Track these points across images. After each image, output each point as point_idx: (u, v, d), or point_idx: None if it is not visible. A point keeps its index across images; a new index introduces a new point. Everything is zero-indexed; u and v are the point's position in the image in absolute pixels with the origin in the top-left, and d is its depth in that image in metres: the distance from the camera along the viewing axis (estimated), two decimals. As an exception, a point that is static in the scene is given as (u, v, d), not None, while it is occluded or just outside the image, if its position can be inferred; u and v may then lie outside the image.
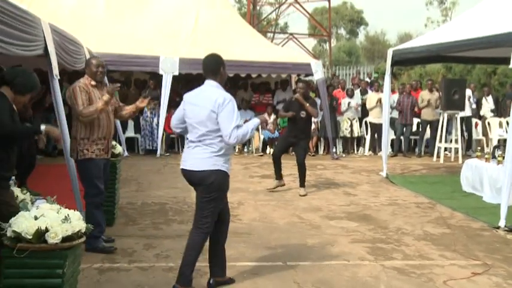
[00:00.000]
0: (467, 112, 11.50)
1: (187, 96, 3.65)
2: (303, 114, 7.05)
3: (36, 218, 2.69)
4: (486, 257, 4.56)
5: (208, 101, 3.45)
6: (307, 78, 14.26)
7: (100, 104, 4.30)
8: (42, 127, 3.29)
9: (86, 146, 4.35)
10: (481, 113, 11.96)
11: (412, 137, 12.04)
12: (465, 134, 11.89)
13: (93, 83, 4.41)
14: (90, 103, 4.29)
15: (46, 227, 2.65)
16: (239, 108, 11.85)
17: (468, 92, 11.66)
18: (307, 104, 7.03)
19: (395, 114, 11.58)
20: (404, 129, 11.38)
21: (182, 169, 3.61)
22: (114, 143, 4.91)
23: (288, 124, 7.52)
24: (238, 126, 3.43)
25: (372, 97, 11.70)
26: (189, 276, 3.54)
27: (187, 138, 3.67)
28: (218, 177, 3.51)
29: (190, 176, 3.56)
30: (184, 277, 3.53)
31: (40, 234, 2.63)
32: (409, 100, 11.33)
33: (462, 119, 11.55)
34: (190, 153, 3.56)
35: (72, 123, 4.43)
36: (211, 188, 3.50)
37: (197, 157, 3.50)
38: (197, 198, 3.61)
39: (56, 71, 4.74)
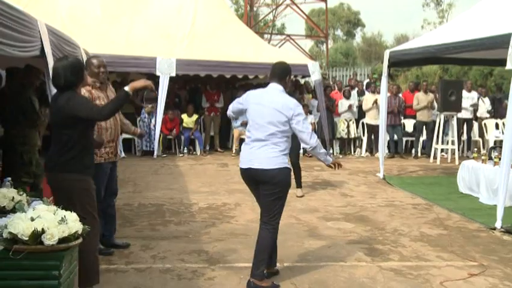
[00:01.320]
0: (469, 114, 11.52)
1: (251, 96, 3.89)
2: None
3: (32, 219, 2.68)
4: (483, 258, 4.57)
5: (277, 103, 3.70)
6: (304, 80, 14.32)
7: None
8: (126, 88, 3.31)
9: (95, 151, 4.27)
10: (478, 114, 11.99)
11: (409, 139, 12.07)
12: (465, 135, 11.89)
13: (97, 84, 4.28)
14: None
15: (42, 229, 2.64)
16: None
17: (474, 94, 11.67)
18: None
19: None
20: (395, 130, 11.34)
21: (247, 168, 3.74)
22: None
23: None
24: None
25: (368, 98, 11.72)
26: (262, 272, 3.77)
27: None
28: (285, 174, 3.72)
29: (257, 175, 3.70)
30: (260, 272, 3.75)
31: (36, 236, 2.62)
32: (396, 101, 11.35)
33: (464, 120, 11.57)
34: (255, 153, 3.71)
35: None
36: (279, 185, 3.68)
37: (265, 156, 3.67)
38: (262, 197, 3.77)
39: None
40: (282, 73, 3.89)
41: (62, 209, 2.87)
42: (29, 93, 5.46)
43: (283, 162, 3.70)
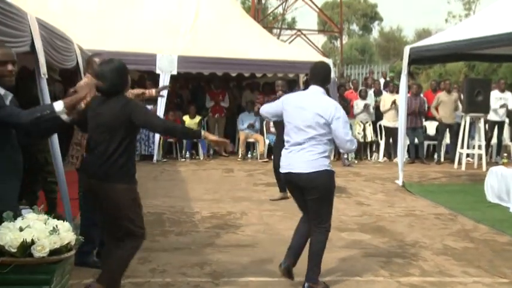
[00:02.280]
0: (501, 116, 11.43)
1: (290, 99, 4.10)
2: None
3: (21, 230, 2.68)
4: (513, 273, 4.52)
5: (318, 106, 3.89)
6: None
7: (137, 91, 4.21)
8: (202, 132, 3.55)
9: None
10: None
11: (431, 142, 12.01)
12: (495, 139, 11.80)
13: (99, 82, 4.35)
14: None
15: (32, 239, 2.64)
16: (244, 110, 11.97)
17: (508, 95, 11.57)
18: None
19: None
20: (415, 133, 11.30)
21: (287, 173, 3.98)
22: None
23: (277, 128, 7.52)
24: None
25: (386, 99, 11.68)
26: (317, 275, 4.01)
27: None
28: (326, 177, 3.90)
29: (297, 179, 3.91)
30: (316, 276, 4.00)
31: (25, 247, 2.62)
32: (417, 101, 11.29)
33: (495, 123, 11.48)
34: (294, 157, 3.93)
35: (74, 129, 4.33)
36: (320, 188, 3.89)
37: (304, 159, 3.88)
38: (307, 202, 3.98)
39: (43, 69, 4.75)
40: (325, 74, 4.12)
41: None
42: (36, 91, 5.52)
43: (323, 164, 3.88)
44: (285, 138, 4.06)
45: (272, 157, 11.48)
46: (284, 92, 7.36)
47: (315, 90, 4.02)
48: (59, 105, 2.99)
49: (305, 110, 3.91)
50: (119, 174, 3.36)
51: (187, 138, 3.71)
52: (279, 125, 7.40)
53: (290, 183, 4.07)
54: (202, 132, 3.55)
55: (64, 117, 3.09)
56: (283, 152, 4.06)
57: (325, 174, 3.88)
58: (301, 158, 3.88)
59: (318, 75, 4.08)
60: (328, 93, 4.26)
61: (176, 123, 3.62)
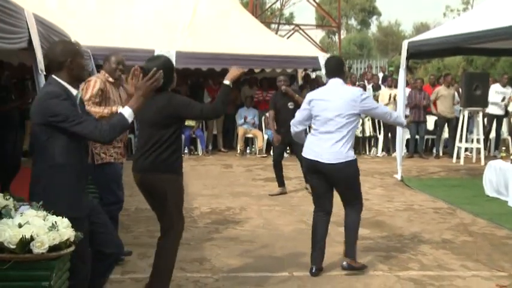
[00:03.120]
0: (500, 110, 11.42)
1: (315, 95, 4.33)
2: (291, 105, 7.22)
3: (20, 226, 2.68)
4: None
5: (345, 96, 4.17)
6: (314, 73, 14.30)
7: (106, 111, 4.14)
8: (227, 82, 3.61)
9: (103, 150, 4.29)
10: (509, 109, 11.88)
11: (429, 137, 12.02)
12: (493, 133, 11.80)
13: (110, 79, 4.38)
14: (106, 101, 4.25)
15: (31, 236, 2.63)
16: (242, 105, 11.96)
17: (509, 90, 11.55)
18: (297, 95, 7.25)
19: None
20: (418, 127, 11.34)
21: (313, 160, 4.18)
22: None
23: (277, 124, 7.52)
24: None
25: (384, 93, 11.68)
26: (355, 252, 4.31)
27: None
28: (352, 166, 4.19)
29: (324, 168, 4.15)
30: (354, 253, 4.30)
31: (24, 244, 2.62)
32: (421, 96, 11.29)
33: (494, 117, 11.47)
34: (323, 146, 4.16)
35: None
36: (348, 176, 4.20)
37: (334, 150, 4.12)
38: (337, 189, 4.29)
39: (41, 65, 4.73)
40: (339, 67, 4.37)
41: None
42: None
43: (351, 155, 4.16)
44: (314, 127, 4.29)
45: (271, 152, 11.55)
46: (287, 86, 7.47)
47: (335, 82, 4.29)
48: (128, 113, 2.90)
49: (332, 101, 4.16)
50: (165, 166, 3.50)
51: (227, 101, 3.72)
52: (278, 120, 7.42)
53: (312, 170, 4.27)
54: (227, 83, 3.59)
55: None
56: (311, 138, 4.28)
57: (350, 164, 4.15)
58: (331, 149, 4.11)
59: (332, 68, 4.35)
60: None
61: (211, 104, 3.73)
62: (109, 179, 4.34)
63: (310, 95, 4.39)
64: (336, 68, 4.35)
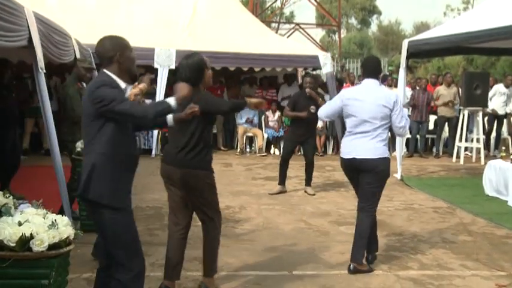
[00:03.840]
0: (501, 110, 11.40)
1: (350, 94, 4.38)
2: (312, 109, 7.09)
3: (20, 224, 2.68)
4: None
5: (381, 98, 4.24)
6: (314, 72, 14.29)
7: (135, 90, 4.19)
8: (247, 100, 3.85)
9: None
10: (507, 109, 11.89)
11: (429, 136, 12.01)
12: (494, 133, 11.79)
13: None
14: None
15: (31, 234, 2.64)
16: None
17: (510, 91, 11.54)
18: (321, 99, 7.12)
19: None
20: (420, 127, 11.34)
21: (350, 158, 4.28)
22: None
23: (293, 123, 7.50)
24: None
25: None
26: (362, 256, 4.34)
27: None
28: (387, 164, 4.29)
29: (360, 165, 4.25)
30: (360, 256, 4.32)
31: (24, 242, 2.62)
32: (425, 96, 11.28)
33: (495, 117, 11.46)
34: (358, 143, 4.26)
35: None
36: (381, 174, 4.28)
37: (368, 147, 4.22)
38: (363, 186, 4.33)
39: (41, 63, 4.73)
40: (377, 67, 4.46)
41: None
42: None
43: (385, 152, 4.27)
44: (348, 128, 4.36)
45: (271, 151, 11.56)
46: (312, 88, 7.32)
47: (371, 82, 4.34)
48: (173, 102, 2.91)
49: (368, 102, 4.23)
50: (196, 161, 3.61)
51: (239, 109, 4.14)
52: (294, 120, 7.36)
53: (350, 168, 4.37)
54: (247, 100, 3.86)
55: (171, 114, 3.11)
56: (346, 139, 4.38)
57: (386, 161, 4.26)
58: (367, 145, 4.22)
59: (370, 68, 4.39)
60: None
61: (232, 101, 4.15)
62: None
63: (345, 93, 4.48)
64: (374, 69, 4.40)
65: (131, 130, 2.99)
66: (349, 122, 4.36)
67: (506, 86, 11.44)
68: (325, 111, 4.58)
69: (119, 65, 2.92)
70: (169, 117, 3.14)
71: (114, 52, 2.91)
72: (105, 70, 2.92)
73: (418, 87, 11.60)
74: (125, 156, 2.93)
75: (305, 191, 7.46)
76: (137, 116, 2.84)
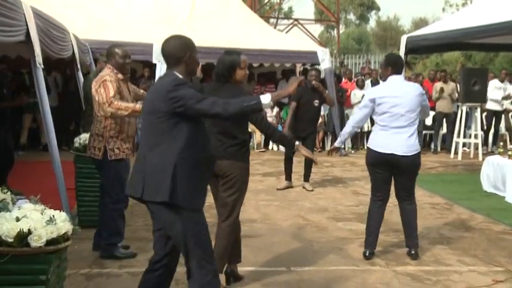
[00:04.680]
0: (499, 106, 11.40)
1: (379, 92, 4.50)
2: (316, 103, 7.09)
3: (18, 220, 2.68)
4: (509, 263, 4.55)
5: (412, 91, 4.47)
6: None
7: (138, 107, 4.12)
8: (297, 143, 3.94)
9: (117, 145, 4.25)
10: (505, 105, 11.90)
11: (427, 132, 12.02)
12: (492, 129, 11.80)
13: (120, 76, 4.30)
14: (121, 98, 4.20)
15: (29, 229, 2.64)
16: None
17: (508, 85, 11.53)
18: (327, 92, 7.12)
19: None
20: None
21: (388, 153, 4.36)
22: None
23: (295, 118, 7.38)
24: None
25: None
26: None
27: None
28: (420, 156, 4.51)
29: (399, 161, 4.37)
30: (417, 240, 4.66)
31: (22, 237, 2.62)
32: None
33: (494, 113, 11.47)
34: (398, 139, 4.39)
35: (95, 119, 4.31)
36: (417, 167, 4.52)
37: (408, 143, 4.39)
38: (400, 180, 4.54)
39: (39, 58, 4.72)
40: (401, 64, 4.62)
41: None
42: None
43: (418, 146, 4.48)
44: (381, 123, 4.45)
45: (269, 147, 11.55)
46: (318, 81, 7.31)
47: (398, 78, 4.51)
48: (266, 99, 2.83)
49: (402, 98, 4.38)
50: (241, 154, 3.73)
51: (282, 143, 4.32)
52: (298, 113, 7.30)
53: (383, 163, 4.44)
54: (297, 143, 3.95)
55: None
56: (381, 134, 4.45)
57: (419, 155, 4.47)
58: (408, 142, 4.38)
59: (398, 65, 4.53)
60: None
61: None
62: (121, 176, 4.29)
63: (372, 93, 4.55)
64: (400, 65, 4.57)
65: (206, 129, 2.95)
66: (382, 118, 4.44)
67: (501, 81, 11.46)
68: (357, 118, 4.66)
69: (186, 66, 2.90)
70: (266, 99, 2.85)
71: (184, 53, 2.88)
72: (173, 71, 2.88)
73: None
74: (204, 156, 2.89)
75: (303, 187, 7.47)
76: (215, 111, 2.77)
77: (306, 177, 7.48)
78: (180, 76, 2.87)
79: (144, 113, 2.93)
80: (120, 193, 4.28)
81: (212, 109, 2.77)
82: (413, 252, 4.57)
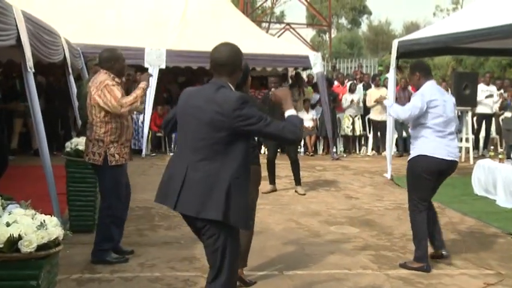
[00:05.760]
0: (488, 109, 11.48)
1: (433, 94, 4.38)
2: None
3: (8, 225, 2.66)
4: (500, 266, 4.57)
5: (451, 97, 4.61)
6: (305, 72, 14.31)
7: (139, 91, 4.24)
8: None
9: (117, 150, 4.27)
10: (495, 109, 11.99)
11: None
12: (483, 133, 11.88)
13: (117, 80, 4.32)
14: None
15: (19, 235, 2.62)
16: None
17: (493, 88, 11.61)
18: (298, 98, 7.24)
19: None
20: (403, 127, 11.35)
21: (451, 160, 4.39)
22: None
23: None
24: None
25: (372, 93, 11.69)
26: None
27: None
28: None
29: (454, 166, 4.46)
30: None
31: (12, 243, 2.60)
32: (405, 95, 11.29)
33: (483, 116, 11.54)
34: (456, 145, 4.50)
35: (93, 125, 4.29)
36: None
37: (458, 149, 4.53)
38: (437, 186, 4.56)
39: (30, 63, 4.70)
40: (430, 69, 4.66)
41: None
42: None
43: None
44: (437, 128, 4.36)
45: (261, 151, 11.55)
46: (277, 87, 7.38)
47: (435, 83, 4.53)
48: (294, 112, 2.87)
49: (448, 101, 4.46)
50: (253, 157, 3.60)
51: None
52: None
53: (443, 170, 4.43)
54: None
55: None
56: (441, 140, 4.37)
57: None
58: (457, 147, 4.54)
59: (428, 70, 4.58)
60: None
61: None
62: (119, 182, 4.32)
63: (428, 95, 4.37)
64: (430, 70, 4.61)
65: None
66: (437, 124, 4.36)
67: (487, 84, 11.56)
68: (414, 114, 4.39)
69: (236, 76, 2.84)
70: (293, 112, 2.86)
71: (241, 61, 2.84)
72: (224, 81, 2.79)
73: (399, 87, 11.59)
74: (252, 169, 2.88)
75: (295, 191, 7.48)
76: (283, 137, 2.72)
77: (297, 181, 7.51)
78: (233, 88, 2.81)
79: (191, 118, 2.76)
80: (115, 199, 4.30)
81: (283, 134, 2.71)
82: (444, 252, 4.66)
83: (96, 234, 4.45)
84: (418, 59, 4.84)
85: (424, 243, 4.42)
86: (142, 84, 4.37)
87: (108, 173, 4.28)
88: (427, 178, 4.40)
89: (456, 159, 4.44)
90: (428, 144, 4.36)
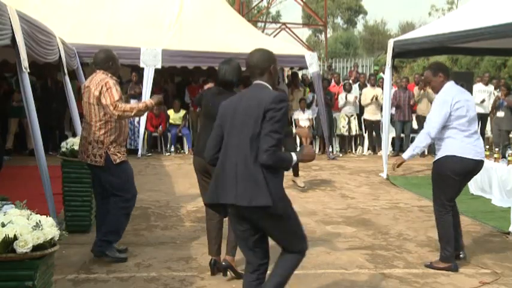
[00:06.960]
0: (484, 109, 11.51)
1: (457, 95, 4.37)
2: None
3: (3, 225, 2.65)
4: (495, 265, 4.59)
5: (470, 95, 4.62)
6: (301, 72, 14.32)
7: (142, 105, 4.37)
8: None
9: (117, 150, 4.35)
10: (490, 108, 12.02)
11: (414, 135, 12.07)
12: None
13: (115, 79, 4.43)
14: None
15: (15, 235, 2.61)
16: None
17: (491, 88, 11.65)
18: None
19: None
20: (404, 126, 11.40)
21: (479, 160, 4.39)
22: None
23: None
24: None
25: (367, 93, 11.71)
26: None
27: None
28: None
29: (482, 166, 4.46)
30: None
31: (8, 243, 2.59)
32: (405, 95, 11.33)
33: (480, 116, 11.54)
34: (482, 144, 4.47)
35: (92, 126, 4.33)
36: None
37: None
38: (462, 184, 4.54)
39: (25, 63, 4.68)
40: (448, 69, 4.71)
41: None
42: None
43: None
44: (462, 128, 4.31)
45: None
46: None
47: (454, 84, 4.53)
48: (295, 158, 3.00)
49: (470, 101, 4.48)
50: None
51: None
52: None
53: (470, 171, 4.43)
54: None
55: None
56: (468, 140, 4.32)
57: None
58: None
59: (447, 70, 4.60)
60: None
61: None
62: (128, 176, 4.43)
63: (452, 96, 4.34)
64: (448, 70, 4.62)
65: None
66: (461, 123, 4.32)
67: (485, 84, 11.58)
68: (441, 123, 4.35)
69: (269, 76, 3.09)
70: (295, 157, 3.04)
71: (269, 63, 3.09)
72: (262, 82, 3.07)
73: (399, 87, 11.63)
74: None
75: (293, 181, 7.46)
76: (272, 159, 2.88)
77: (296, 173, 7.47)
78: (270, 87, 3.06)
79: (238, 121, 2.97)
80: (129, 193, 4.40)
81: (277, 151, 2.89)
82: (462, 254, 4.63)
83: (104, 225, 4.44)
84: (437, 61, 4.90)
85: (451, 244, 4.41)
86: (149, 101, 4.51)
87: (118, 170, 4.36)
88: (455, 179, 4.36)
89: (483, 159, 4.42)
90: (456, 144, 4.32)
